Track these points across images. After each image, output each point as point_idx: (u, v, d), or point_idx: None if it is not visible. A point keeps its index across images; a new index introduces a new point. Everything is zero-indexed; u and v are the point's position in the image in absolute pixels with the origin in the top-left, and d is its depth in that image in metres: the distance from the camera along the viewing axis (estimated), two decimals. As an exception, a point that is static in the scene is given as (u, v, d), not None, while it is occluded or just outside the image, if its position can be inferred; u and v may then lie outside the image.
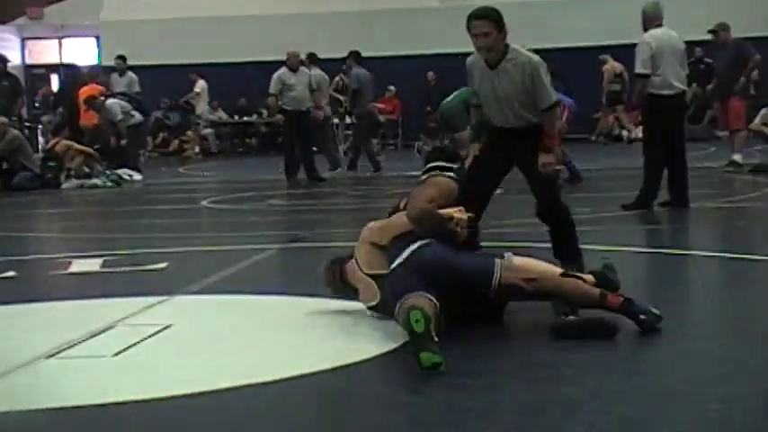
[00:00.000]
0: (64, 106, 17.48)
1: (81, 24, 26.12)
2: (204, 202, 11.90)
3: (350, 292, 5.14)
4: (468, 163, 5.69)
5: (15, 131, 15.49)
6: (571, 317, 4.63)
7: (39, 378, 4.23)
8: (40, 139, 21.17)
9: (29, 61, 27.66)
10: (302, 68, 15.00)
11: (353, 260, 5.07)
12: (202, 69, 23.37)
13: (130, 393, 3.90)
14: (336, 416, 3.73)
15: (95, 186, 15.02)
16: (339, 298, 5.25)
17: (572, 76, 19.90)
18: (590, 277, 4.99)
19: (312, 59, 16.23)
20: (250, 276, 6.74)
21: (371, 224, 5.12)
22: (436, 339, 4.02)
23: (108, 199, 13.75)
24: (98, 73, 19.39)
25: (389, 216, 5.16)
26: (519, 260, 4.82)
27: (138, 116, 16.88)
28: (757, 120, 16.97)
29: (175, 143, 23.87)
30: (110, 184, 15.26)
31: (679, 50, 9.48)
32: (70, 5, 26.12)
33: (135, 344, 4.64)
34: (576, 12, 23.52)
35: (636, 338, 4.47)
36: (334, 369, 4.17)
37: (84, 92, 16.93)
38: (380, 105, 20.82)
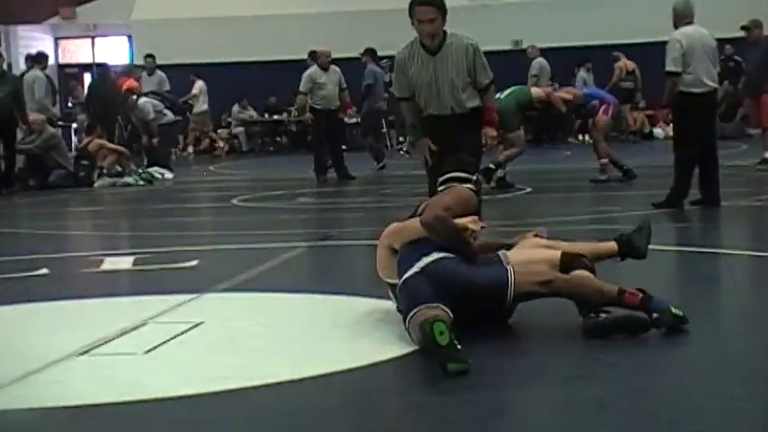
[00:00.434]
0: (94, 105, 17.60)
1: (113, 23, 26.27)
2: (234, 201, 11.94)
3: None
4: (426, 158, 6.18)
5: (52, 129, 15.61)
6: (602, 315, 4.59)
7: (70, 375, 4.26)
8: (74, 138, 21.28)
9: (62, 61, 27.84)
10: (332, 67, 15.02)
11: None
12: (233, 68, 23.42)
13: (161, 391, 3.93)
14: (363, 415, 3.74)
15: (127, 185, 15.11)
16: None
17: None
18: (613, 245, 4.97)
19: (373, 56, 16.45)
20: (280, 274, 6.75)
21: (393, 225, 5.08)
22: (459, 347, 3.97)
23: (139, 197, 13.83)
24: (132, 69, 19.61)
25: (408, 218, 5.13)
26: (519, 259, 4.71)
27: (170, 115, 17.00)
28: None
29: (206, 142, 23.94)
30: (141, 182, 15.35)
31: (710, 48, 9.39)
32: (102, 5, 26.27)
33: (165, 341, 4.67)
34: (592, 10, 23.29)
35: (664, 338, 4.44)
36: (360, 368, 4.18)
37: (127, 84, 17.30)
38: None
